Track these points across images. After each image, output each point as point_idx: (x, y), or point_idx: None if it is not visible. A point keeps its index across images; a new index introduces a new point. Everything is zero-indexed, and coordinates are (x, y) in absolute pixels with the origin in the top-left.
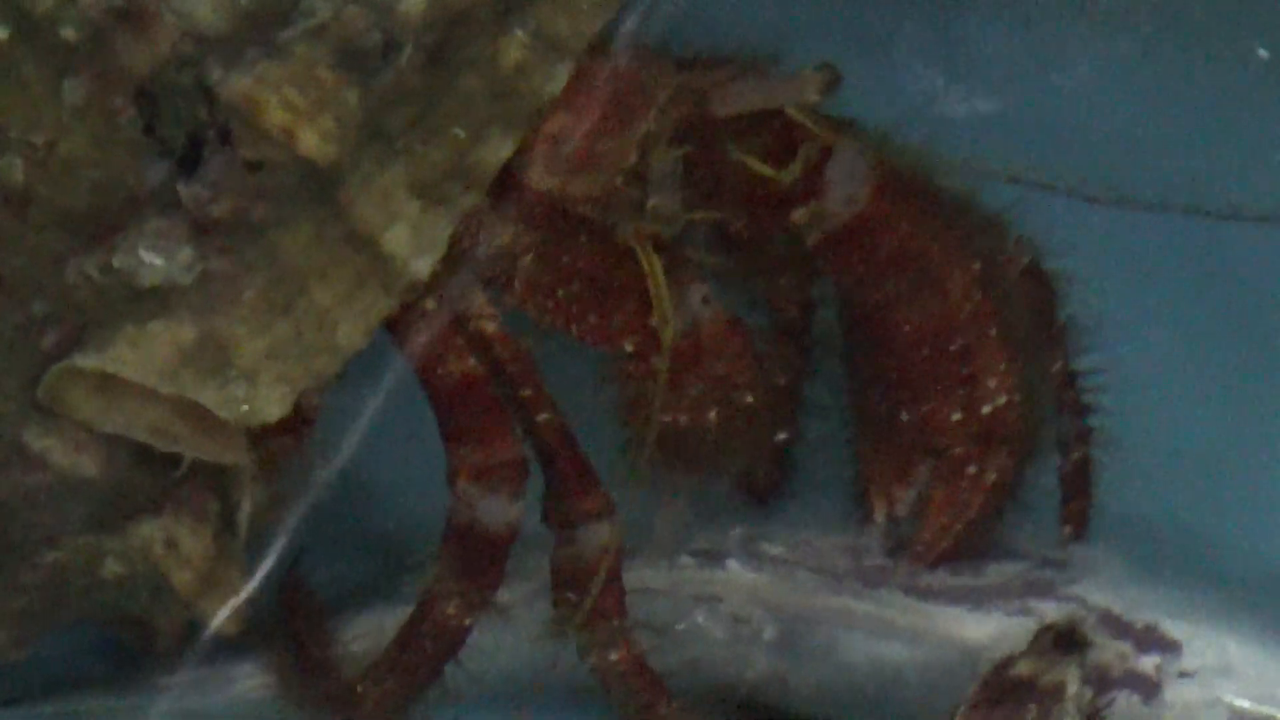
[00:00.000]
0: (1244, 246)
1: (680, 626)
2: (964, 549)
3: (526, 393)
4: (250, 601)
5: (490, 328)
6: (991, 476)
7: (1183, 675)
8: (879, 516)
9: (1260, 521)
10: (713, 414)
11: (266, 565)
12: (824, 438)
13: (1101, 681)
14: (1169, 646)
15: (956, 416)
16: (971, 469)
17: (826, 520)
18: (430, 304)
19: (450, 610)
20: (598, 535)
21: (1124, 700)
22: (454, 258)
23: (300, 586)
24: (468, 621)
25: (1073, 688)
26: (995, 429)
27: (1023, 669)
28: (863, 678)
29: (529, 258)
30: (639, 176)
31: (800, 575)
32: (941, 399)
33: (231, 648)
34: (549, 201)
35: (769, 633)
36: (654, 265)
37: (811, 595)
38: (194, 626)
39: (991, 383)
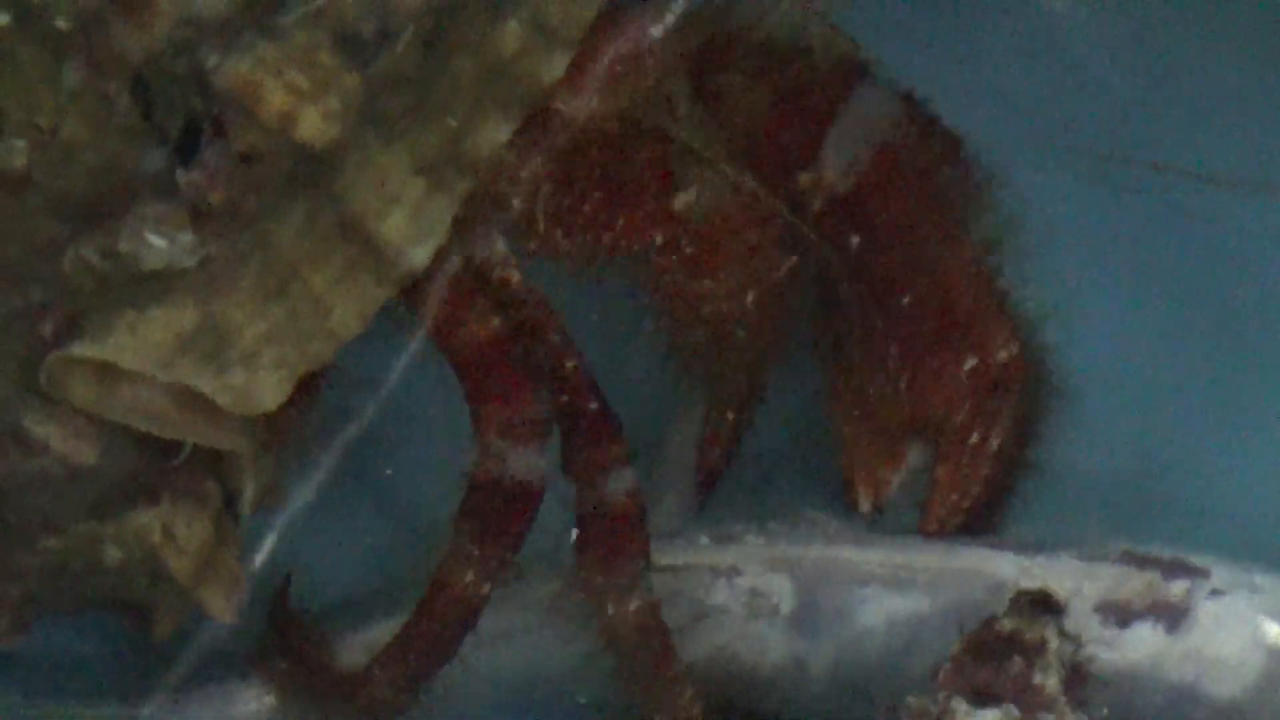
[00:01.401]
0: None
1: (700, 602)
2: (973, 522)
3: (553, 339)
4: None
5: (515, 277)
6: (995, 444)
7: (1214, 593)
8: (865, 505)
9: (1246, 461)
10: (750, 297)
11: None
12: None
13: (1123, 615)
14: (1197, 572)
15: (970, 364)
16: (974, 438)
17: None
18: (450, 265)
19: (469, 578)
20: (623, 481)
21: (1149, 632)
22: (473, 210)
23: (288, 604)
24: (485, 589)
25: (1053, 642)
26: (1004, 380)
27: (1005, 625)
28: (880, 644)
29: (546, 188)
30: (665, 94)
31: (816, 534)
32: (950, 355)
33: (230, 668)
34: (579, 125)
35: (786, 605)
36: (713, 155)
37: (828, 548)
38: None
39: (1002, 333)
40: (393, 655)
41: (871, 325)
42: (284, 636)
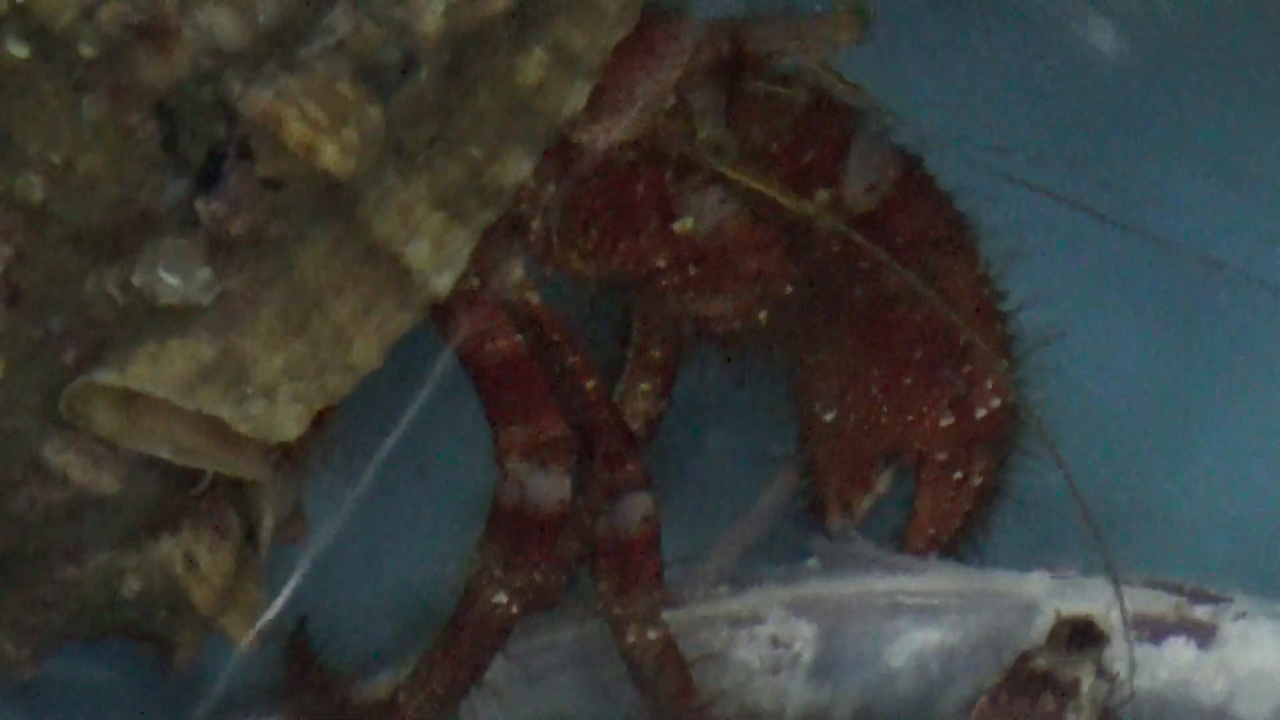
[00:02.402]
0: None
1: (720, 655)
2: (950, 551)
3: (573, 359)
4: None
5: (534, 299)
6: (977, 481)
7: (1240, 616)
8: (834, 524)
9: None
10: (763, 315)
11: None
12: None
13: (1156, 630)
14: (1221, 599)
15: (946, 422)
16: (957, 475)
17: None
18: (474, 283)
19: (498, 600)
20: (640, 506)
21: (1182, 647)
22: (495, 233)
23: (305, 644)
24: (516, 610)
25: (1087, 683)
26: (985, 433)
27: (1042, 662)
28: (909, 684)
29: (556, 211)
30: (684, 116)
31: (842, 568)
32: (933, 403)
33: (254, 702)
34: (600, 156)
35: (809, 653)
36: (742, 174)
37: (853, 581)
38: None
39: (988, 384)
40: (419, 681)
41: (861, 351)
42: (302, 675)
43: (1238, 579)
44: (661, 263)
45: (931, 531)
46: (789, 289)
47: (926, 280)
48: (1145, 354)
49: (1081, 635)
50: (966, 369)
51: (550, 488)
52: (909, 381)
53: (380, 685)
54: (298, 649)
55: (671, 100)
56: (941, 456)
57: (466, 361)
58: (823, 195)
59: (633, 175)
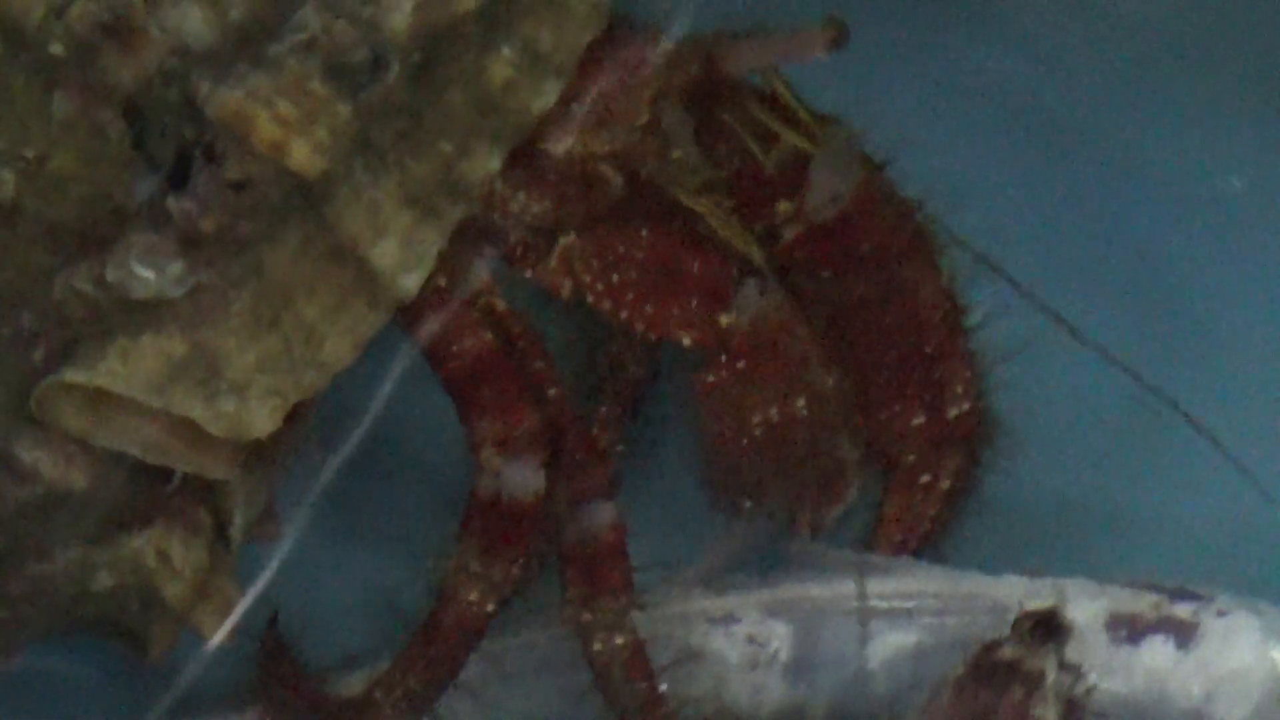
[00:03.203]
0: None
1: (696, 648)
2: (917, 556)
3: (537, 366)
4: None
5: (500, 305)
6: (945, 484)
7: (1220, 614)
8: (804, 531)
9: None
10: (800, 402)
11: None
12: None
13: (1134, 629)
14: (1202, 597)
15: (918, 421)
16: (925, 478)
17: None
18: (441, 282)
19: (473, 596)
20: (605, 513)
21: (1160, 645)
22: (464, 235)
23: (278, 641)
24: (490, 608)
25: (1051, 675)
26: (955, 434)
27: (1006, 653)
28: (882, 684)
29: (572, 238)
30: (656, 134)
31: (814, 571)
32: (904, 403)
33: (226, 698)
34: (570, 164)
35: (785, 652)
36: (712, 211)
37: (828, 585)
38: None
39: (958, 387)
40: (396, 677)
41: (830, 356)
42: (275, 672)
43: (1220, 581)
44: (685, 341)
45: (899, 536)
46: (829, 379)
47: (884, 293)
48: (1122, 356)
49: (1045, 626)
50: (937, 372)
51: (525, 478)
52: (874, 388)
53: (354, 683)
54: (271, 645)
55: (646, 116)
56: (911, 459)
57: (435, 361)
58: (785, 206)
59: (691, 248)
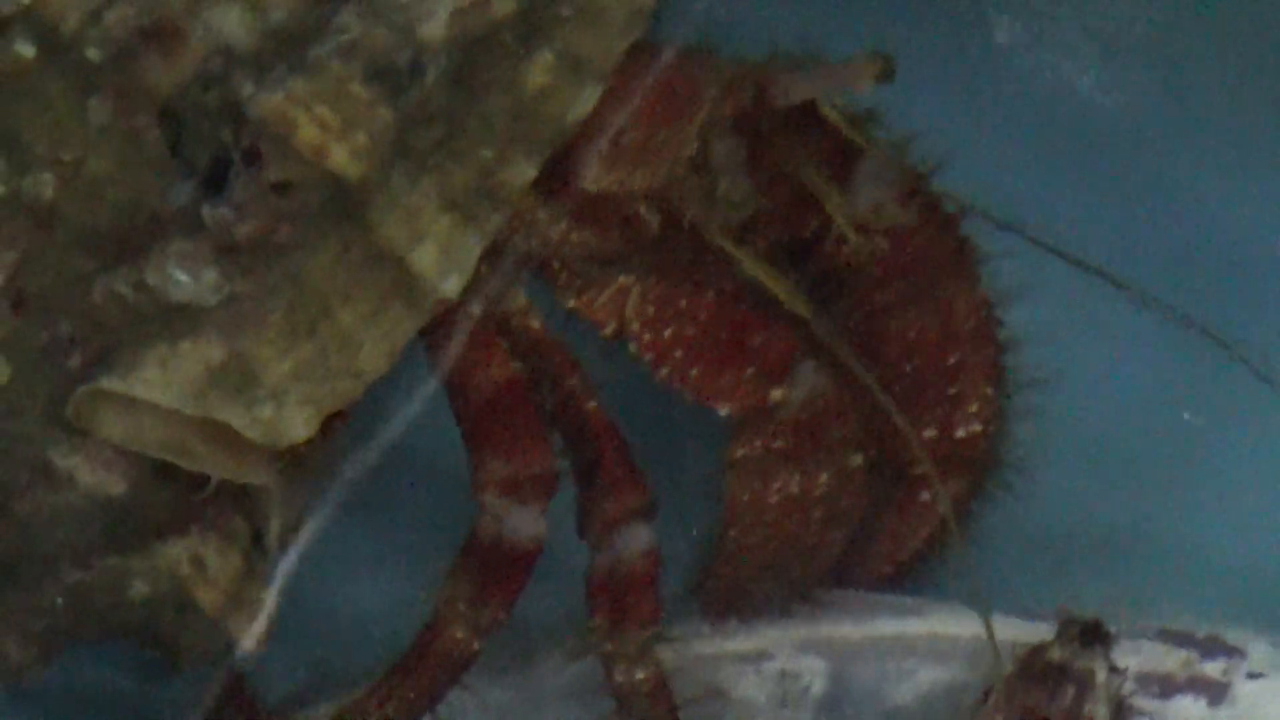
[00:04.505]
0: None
1: (725, 695)
2: (902, 576)
3: (572, 383)
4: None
5: (535, 324)
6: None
7: (1252, 676)
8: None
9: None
10: (824, 478)
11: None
12: None
13: (1165, 687)
14: (1233, 652)
15: (929, 435)
16: (925, 496)
17: None
18: (472, 307)
19: (459, 634)
20: (640, 538)
21: (1190, 704)
22: (499, 258)
23: (240, 685)
24: (477, 646)
25: (1101, 675)
26: (960, 454)
27: (1055, 654)
28: (917, 718)
29: (633, 280)
30: (704, 168)
31: (853, 607)
32: (917, 414)
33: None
34: (609, 199)
35: (818, 687)
36: (749, 259)
37: (863, 624)
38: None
39: (973, 407)
40: (374, 704)
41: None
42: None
43: (1252, 619)
44: (723, 411)
45: (888, 548)
46: (859, 458)
47: (921, 295)
48: (1150, 380)
49: (1090, 632)
50: (955, 386)
51: (528, 525)
52: (897, 390)
53: (320, 716)
54: (229, 683)
55: (694, 147)
56: (914, 473)
57: (453, 390)
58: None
59: (756, 318)
